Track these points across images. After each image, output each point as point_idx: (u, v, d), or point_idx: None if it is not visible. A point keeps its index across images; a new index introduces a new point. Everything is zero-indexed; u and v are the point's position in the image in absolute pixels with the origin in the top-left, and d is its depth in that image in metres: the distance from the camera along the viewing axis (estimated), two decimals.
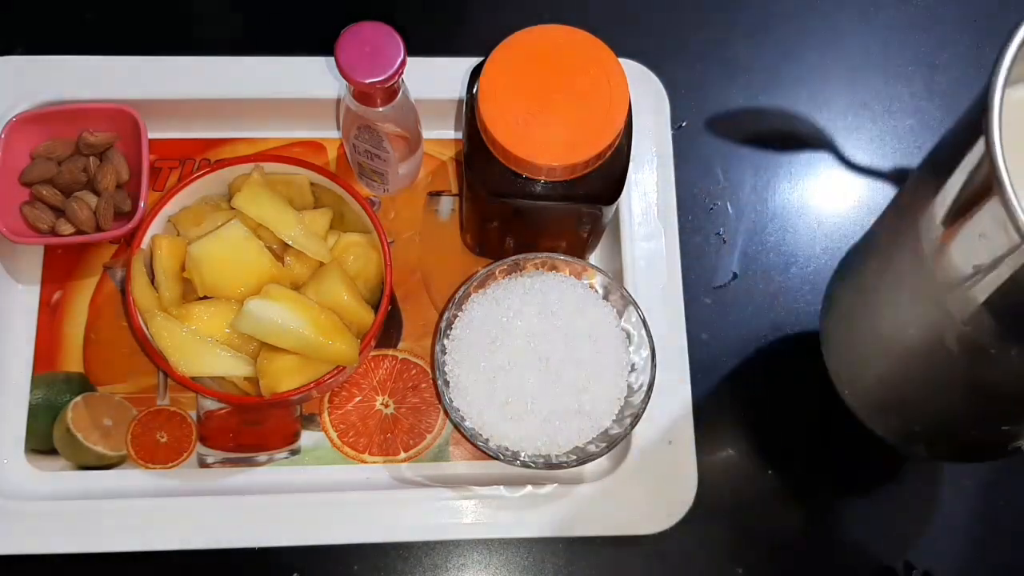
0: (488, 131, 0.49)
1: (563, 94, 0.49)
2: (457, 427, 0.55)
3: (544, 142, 0.48)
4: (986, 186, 0.34)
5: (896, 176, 0.67)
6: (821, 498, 0.61)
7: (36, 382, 0.59)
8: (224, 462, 0.59)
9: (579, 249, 0.61)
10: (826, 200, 0.67)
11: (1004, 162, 0.33)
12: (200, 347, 0.54)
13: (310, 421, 0.60)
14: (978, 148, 0.35)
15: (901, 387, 0.51)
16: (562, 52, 0.50)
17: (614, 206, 0.53)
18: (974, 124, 0.35)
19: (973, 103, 0.38)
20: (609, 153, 0.50)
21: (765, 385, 0.63)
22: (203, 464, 0.59)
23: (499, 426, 0.55)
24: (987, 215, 0.35)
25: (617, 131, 0.49)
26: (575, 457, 0.55)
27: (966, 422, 0.49)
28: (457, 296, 0.56)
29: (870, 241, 0.52)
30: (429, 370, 0.61)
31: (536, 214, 0.54)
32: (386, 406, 0.60)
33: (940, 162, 0.41)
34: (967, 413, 0.48)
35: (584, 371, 0.55)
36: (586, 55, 0.50)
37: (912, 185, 0.45)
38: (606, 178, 0.51)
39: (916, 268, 0.43)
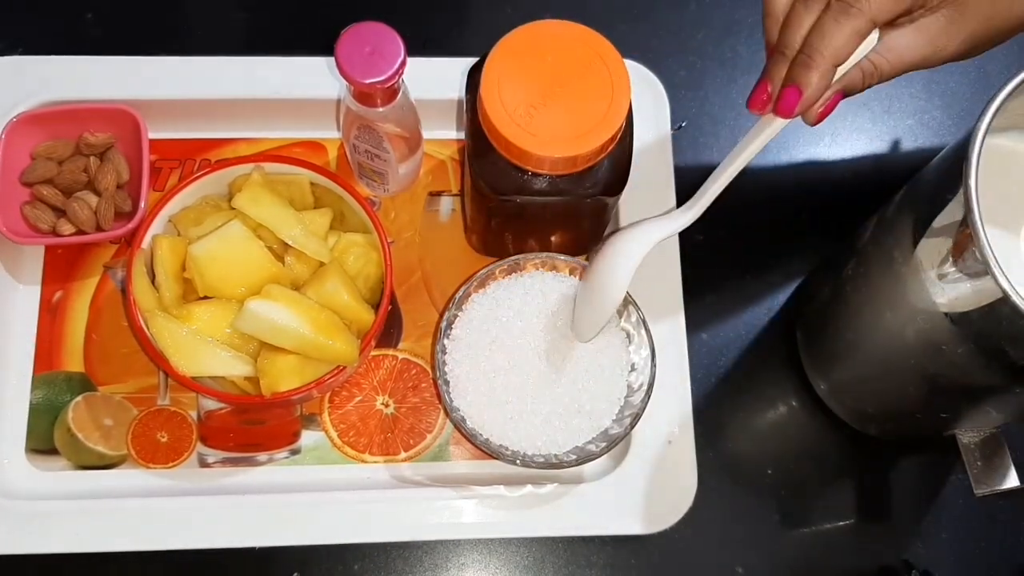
0: (492, 126, 0.49)
1: (565, 87, 0.49)
2: (457, 427, 0.55)
3: (548, 135, 0.48)
4: (960, 221, 0.40)
5: (895, 177, 0.67)
6: (821, 498, 0.61)
7: (36, 382, 0.59)
8: (224, 462, 0.59)
9: (584, 245, 0.61)
10: (826, 200, 0.67)
11: (978, 206, 0.39)
12: (200, 347, 0.54)
13: (310, 421, 0.60)
14: (958, 188, 0.40)
15: (860, 372, 0.57)
16: (562, 46, 0.49)
17: (619, 198, 0.54)
18: (955, 166, 0.41)
19: (958, 143, 0.43)
20: (613, 145, 0.50)
21: (765, 385, 0.63)
22: (203, 464, 0.59)
23: (499, 426, 0.55)
24: (957, 243, 0.41)
25: (621, 121, 0.49)
26: (575, 457, 0.55)
27: (912, 407, 0.55)
28: (457, 296, 0.56)
29: (854, 244, 0.54)
30: (429, 370, 0.61)
31: (542, 210, 0.54)
32: (386, 406, 0.60)
33: (922, 190, 0.47)
34: (914, 399, 0.53)
35: (584, 371, 0.55)
36: (586, 48, 0.50)
37: (897, 202, 0.50)
38: (612, 169, 0.51)
39: (890, 271, 0.48)
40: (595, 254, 0.52)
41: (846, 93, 0.45)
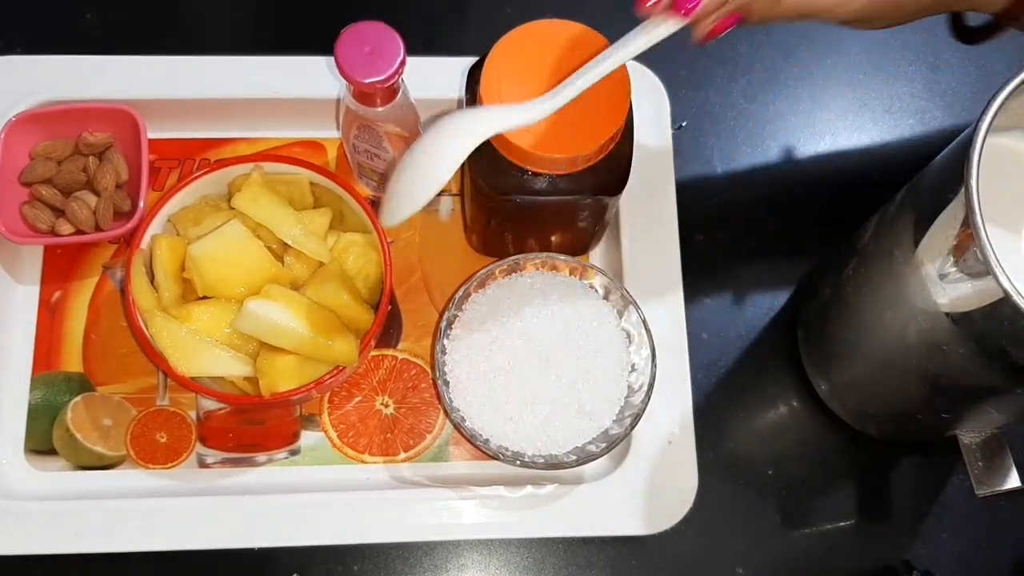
0: None
1: None
2: (457, 427, 0.55)
3: (548, 135, 0.48)
4: (961, 220, 0.40)
5: (895, 177, 0.67)
6: (821, 499, 0.61)
7: (35, 382, 0.59)
8: (224, 462, 0.59)
9: (584, 245, 0.61)
10: (826, 200, 0.67)
11: (979, 206, 0.39)
12: (200, 347, 0.54)
13: (310, 421, 0.60)
14: (958, 188, 0.40)
15: (861, 372, 0.57)
16: (562, 46, 0.49)
17: (619, 198, 0.53)
18: (956, 166, 0.41)
19: (959, 143, 0.43)
20: (613, 144, 0.50)
21: (765, 385, 0.63)
22: (203, 464, 0.59)
23: (499, 426, 0.55)
24: (958, 243, 0.41)
25: (621, 120, 0.49)
26: (575, 457, 0.54)
27: (913, 408, 0.54)
28: (457, 296, 0.56)
29: (854, 243, 0.54)
30: (429, 370, 0.61)
31: (542, 210, 0.54)
32: (386, 406, 0.60)
33: (923, 189, 0.47)
34: (915, 400, 0.53)
35: (584, 371, 0.55)
36: (586, 48, 0.49)
37: (897, 202, 0.50)
38: (612, 169, 0.51)
39: (891, 271, 0.48)
40: (431, 125, 0.45)
41: (743, 18, 0.43)
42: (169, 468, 0.58)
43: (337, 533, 0.56)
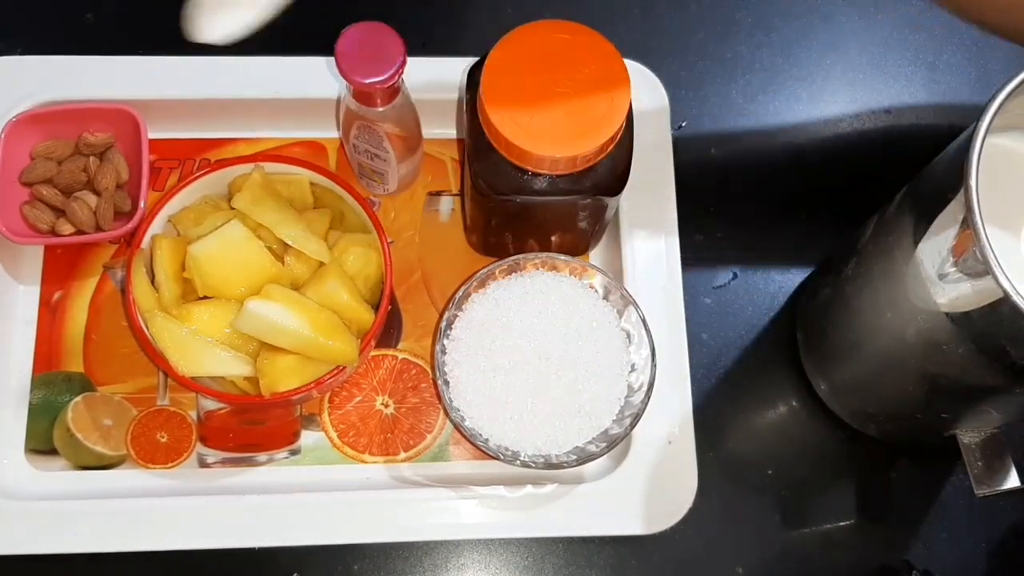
0: (492, 126, 0.49)
1: (565, 87, 0.49)
2: (457, 427, 0.55)
3: (548, 135, 0.48)
4: (960, 221, 0.40)
5: (895, 178, 0.67)
6: (821, 498, 0.61)
7: (36, 382, 0.59)
8: (224, 462, 0.59)
9: (584, 245, 0.61)
10: (826, 200, 0.67)
11: (978, 206, 0.39)
12: (200, 347, 0.54)
13: (310, 421, 0.60)
14: (958, 188, 0.40)
15: (861, 372, 0.57)
16: (562, 46, 0.50)
17: (619, 198, 0.54)
18: (956, 166, 0.41)
19: (959, 143, 0.43)
20: (612, 145, 0.50)
21: (765, 385, 0.63)
22: (203, 464, 0.59)
23: (499, 426, 0.55)
24: (958, 243, 0.41)
25: (621, 121, 0.49)
26: (575, 457, 0.55)
27: (913, 408, 0.54)
28: (457, 296, 0.56)
29: (854, 243, 0.54)
30: (429, 370, 0.61)
31: (542, 210, 0.54)
32: (386, 406, 0.60)
33: (923, 190, 0.47)
34: (914, 399, 0.53)
35: (584, 371, 0.55)
36: (586, 48, 0.50)
37: (897, 202, 0.50)
38: (612, 169, 0.51)
39: (891, 271, 0.48)
40: None
41: None
42: (169, 468, 0.58)
43: (337, 533, 0.56)
